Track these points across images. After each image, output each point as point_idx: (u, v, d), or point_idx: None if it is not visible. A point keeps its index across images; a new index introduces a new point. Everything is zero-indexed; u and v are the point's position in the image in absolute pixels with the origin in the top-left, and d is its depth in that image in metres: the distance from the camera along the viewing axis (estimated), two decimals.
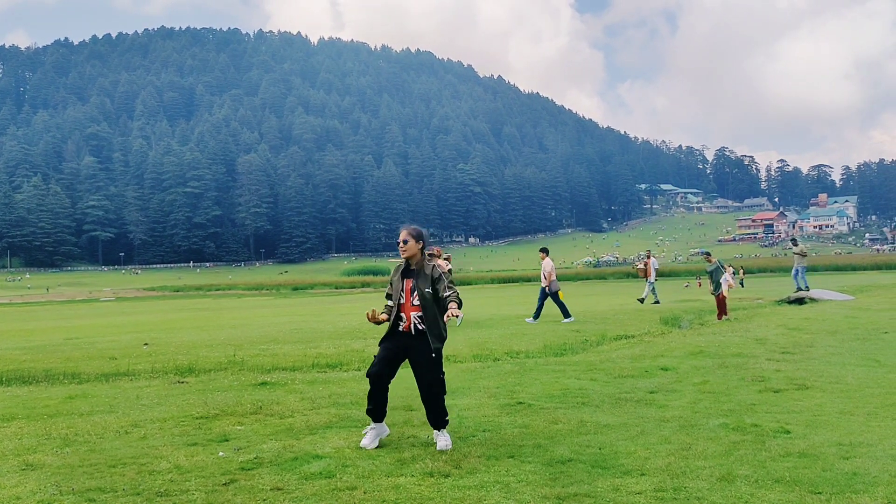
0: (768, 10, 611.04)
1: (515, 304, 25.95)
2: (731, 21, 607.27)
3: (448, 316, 5.18)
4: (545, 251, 17.25)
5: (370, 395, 5.36)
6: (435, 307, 5.33)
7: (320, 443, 5.45)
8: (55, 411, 7.02)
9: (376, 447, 5.27)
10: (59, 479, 4.60)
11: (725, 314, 15.99)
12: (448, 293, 5.28)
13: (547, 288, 16.55)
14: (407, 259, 5.43)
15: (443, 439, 5.29)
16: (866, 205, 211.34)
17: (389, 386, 5.40)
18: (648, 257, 23.91)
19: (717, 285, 16.07)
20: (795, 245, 25.46)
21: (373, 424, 5.39)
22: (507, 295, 39.79)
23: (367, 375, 5.37)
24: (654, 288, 23.14)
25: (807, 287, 22.75)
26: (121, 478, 4.62)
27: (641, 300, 22.39)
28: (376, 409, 5.37)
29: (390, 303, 5.48)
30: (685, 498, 4.06)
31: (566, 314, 16.19)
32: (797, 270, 23.71)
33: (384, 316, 5.43)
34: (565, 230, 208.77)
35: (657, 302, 22.27)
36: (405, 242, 5.38)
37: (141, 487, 4.41)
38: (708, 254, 17.06)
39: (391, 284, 5.52)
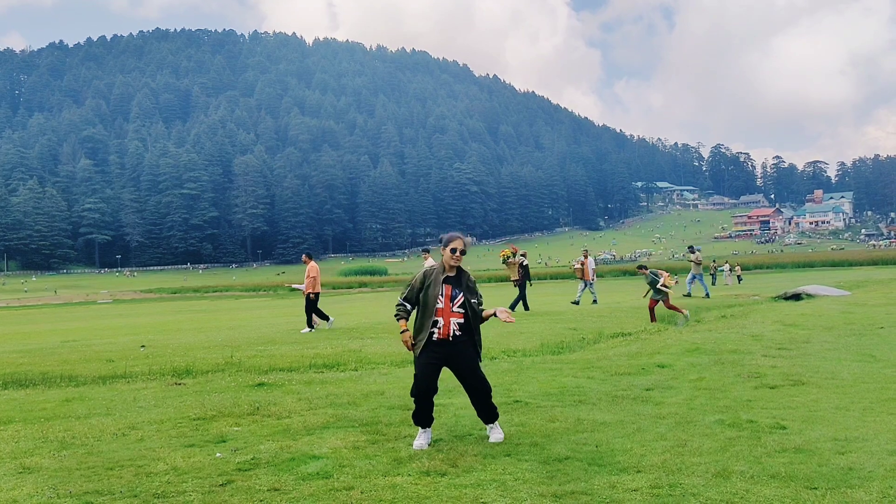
0: (765, 7, 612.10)
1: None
2: (728, 17, 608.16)
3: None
4: (427, 251, 16.98)
5: (418, 411, 5.35)
6: (476, 316, 5.40)
7: (317, 443, 5.46)
8: (52, 414, 7.01)
9: (428, 447, 5.28)
10: (57, 482, 4.60)
11: (654, 320, 15.54)
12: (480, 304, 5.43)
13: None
14: (448, 266, 5.40)
15: (496, 432, 5.39)
16: (862, 200, 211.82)
17: (434, 396, 5.40)
18: (586, 257, 22.78)
19: (658, 292, 15.84)
20: (692, 252, 25.54)
21: (422, 431, 5.39)
22: (504, 294, 39.76)
23: (413, 395, 5.34)
24: (591, 287, 22.37)
25: (688, 294, 23.58)
26: (118, 480, 4.62)
27: (576, 301, 21.54)
28: (426, 420, 5.39)
29: (409, 306, 5.41)
30: (681, 494, 4.07)
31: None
32: (692, 277, 24.60)
33: (404, 325, 5.38)
34: (562, 228, 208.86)
35: (595, 302, 21.76)
36: (463, 253, 5.38)
37: (138, 489, 4.41)
38: (643, 267, 16.96)
39: (416, 288, 5.39)
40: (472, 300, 5.35)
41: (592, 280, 22.63)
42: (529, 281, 20.15)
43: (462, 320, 5.30)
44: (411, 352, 5.37)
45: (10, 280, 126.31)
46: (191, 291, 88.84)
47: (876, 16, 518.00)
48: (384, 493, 4.23)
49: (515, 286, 19.95)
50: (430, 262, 16.28)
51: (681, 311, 15.80)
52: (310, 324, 15.83)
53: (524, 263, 19.81)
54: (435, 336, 5.27)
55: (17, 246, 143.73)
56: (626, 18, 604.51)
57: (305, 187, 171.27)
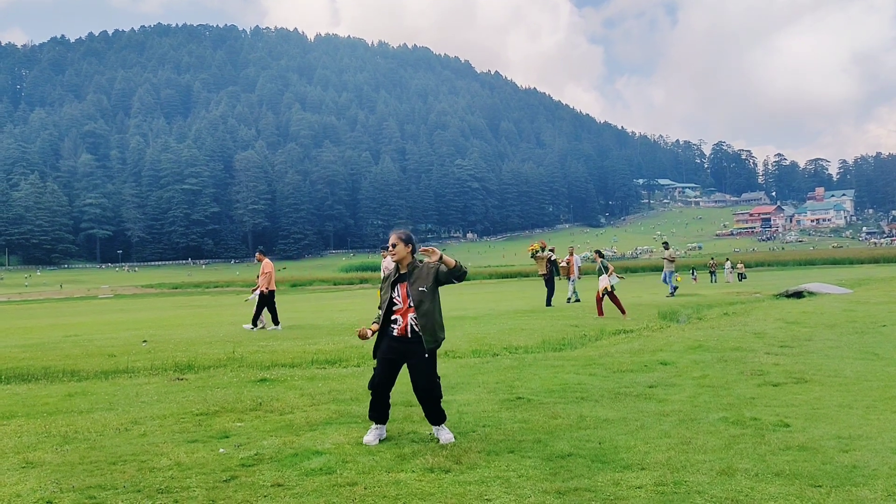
0: (768, 4, 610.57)
1: (514, 300, 25.95)
2: (731, 14, 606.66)
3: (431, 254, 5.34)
4: (387, 249, 16.77)
5: (373, 404, 5.44)
6: (432, 306, 5.35)
7: (320, 439, 5.46)
8: (55, 409, 7.01)
9: (377, 444, 5.32)
10: (60, 477, 4.60)
11: (601, 314, 15.83)
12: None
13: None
14: (397, 263, 5.46)
15: (445, 434, 5.36)
16: (863, 198, 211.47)
17: (390, 392, 5.48)
18: (571, 254, 22.34)
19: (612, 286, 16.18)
20: (666, 249, 25.41)
21: (375, 426, 5.46)
22: (504, 290, 39.81)
23: (370, 388, 5.45)
24: (573, 283, 21.93)
25: (673, 292, 23.36)
26: (121, 475, 4.62)
27: (576, 300, 21.29)
28: (380, 415, 5.45)
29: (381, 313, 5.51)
30: (685, 492, 4.06)
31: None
32: (666, 274, 24.30)
33: (374, 328, 5.44)
34: (563, 225, 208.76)
35: (573, 300, 21.30)
36: (394, 246, 5.43)
37: (141, 484, 4.41)
38: (598, 253, 17.32)
39: (383, 292, 5.54)
40: (422, 288, 5.32)
41: (577, 277, 22.54)
42: (558, 275, 20.67)
43: (416, 315, 5.32)
44: (363, 339, 5.39)
45: (11, 275, 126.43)
46: (191, 287, 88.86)
47: (879, 13, 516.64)
48: (387, 489, 4.23)
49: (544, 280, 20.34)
50: (388, 259, 16.37)
51: (601, 313, 15.99)
52: (254, 322, 15.65)
53: (552, 258, 20.20)
54: (395, 332, 5.35)
55: (19, 241, 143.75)
56: (628, 14, 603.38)
57: (306, 183, 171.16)
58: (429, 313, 5.32)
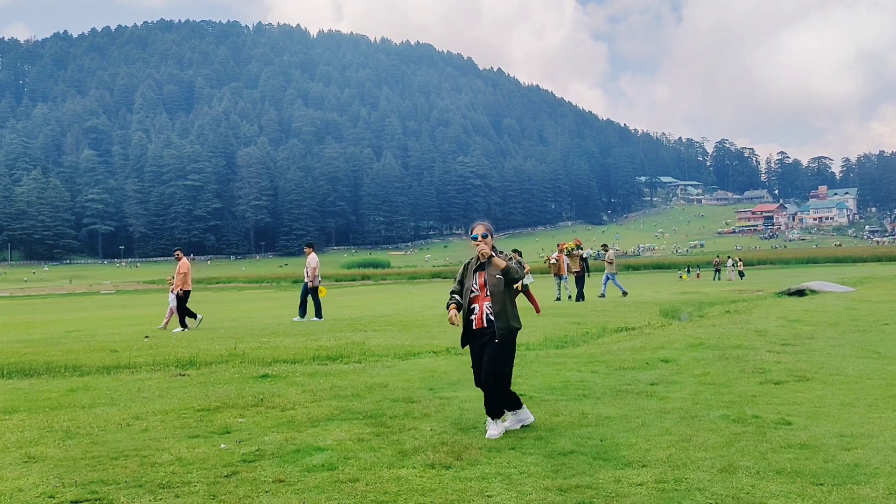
0: (774, 1, 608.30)
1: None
2: (736, 11, 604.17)
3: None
4: (311, 246, 17.21)
5: (486, 400, 5.53)
6: (505, 292, 5.49)
7: (322, 435, 5.46)
8: (57, 404, 7.03)
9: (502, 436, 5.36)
10: (62, 472, 4.61)
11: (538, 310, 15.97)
12: (515, 266, 5.53)
13: (310, 283, 16.52)
14: (479, 254, 5.56)
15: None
16: (866, 197, 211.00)
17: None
18: (561, 252, 22.18)
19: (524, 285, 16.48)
20: (606, 251, 25.11)
21: (490, 420, 5.50)
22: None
23: (478, 386, 5.62)
24: (565, 282, 21.99)
25: (603, 294, 22.99)
26: (123, 470, 4.63)
27: (574, 298, 21.23)
28: (494, 409, 5.52)
29: (457, 297, 5.64)
30: (686, 489, 4.06)
31: (318, 313, 16.41)
32: (607, 277, 23.95)
33: (455, 314, 5.59)
34: (565, 223, 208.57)
35: (559, 299, 21.36)
36: (484, 237, 5.54)
37: (143, 479, 4.42)
38: (515, 251, 17.76)
39: (460, 281, 5.69)
40: (497, 275, 5.45)
41: (566, 275, 22.45)
42: (588, 273, 21.74)
43: (490, 302, 5.44)
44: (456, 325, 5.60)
45: (13, 270, 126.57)
46: (193, 283, 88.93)
47: (884, 11, 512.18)
48: (389, 485, 4.23)
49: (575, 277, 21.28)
50: (312, 256, 16.69)
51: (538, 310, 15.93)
52: (183, 323, 15.65)
53: (584, 256, 21.23)
54: (473, 325, 5.51)
55: (21, 236, 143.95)
56: (632, 10, 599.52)
57: (308, 179, 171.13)
58: (502, 300, 5.45)
